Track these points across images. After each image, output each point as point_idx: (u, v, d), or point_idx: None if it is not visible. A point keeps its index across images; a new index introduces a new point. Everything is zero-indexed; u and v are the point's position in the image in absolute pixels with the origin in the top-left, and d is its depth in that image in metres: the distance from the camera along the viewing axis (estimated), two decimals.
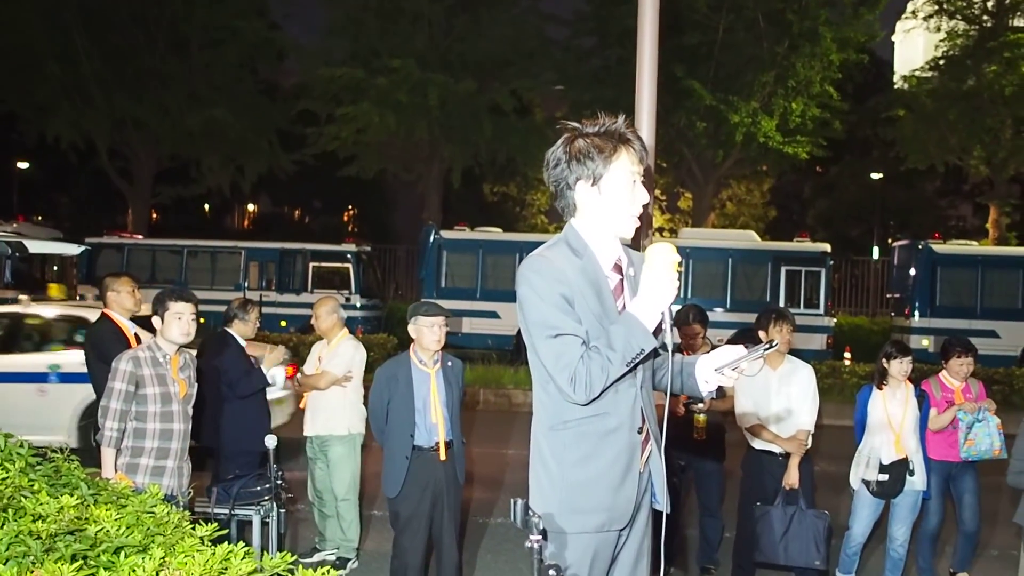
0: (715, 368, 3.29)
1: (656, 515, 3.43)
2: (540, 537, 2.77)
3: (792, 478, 6.48)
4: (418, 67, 28.54)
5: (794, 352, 7.14)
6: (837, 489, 7.83)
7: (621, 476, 3.28)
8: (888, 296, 26.88)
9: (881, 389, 6.92)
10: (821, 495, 9.09)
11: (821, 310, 22.28)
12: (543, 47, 31.92)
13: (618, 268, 3.37)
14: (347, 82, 29.24)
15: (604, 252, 3.35)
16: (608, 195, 3.28)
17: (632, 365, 3.14)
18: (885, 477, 6.82)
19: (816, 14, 27.79)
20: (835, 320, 23.89)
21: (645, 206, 3.40)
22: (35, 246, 25.36)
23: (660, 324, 3.17)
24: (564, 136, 3.38)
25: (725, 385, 3.37)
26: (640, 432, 3.32)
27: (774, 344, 3.35)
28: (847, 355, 21.03)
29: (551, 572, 2.68)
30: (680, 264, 3.23)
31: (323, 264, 24.81)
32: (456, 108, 29.31)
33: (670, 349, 3.25)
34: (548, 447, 3.34)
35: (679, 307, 7.62)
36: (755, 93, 28.42)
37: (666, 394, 3.38)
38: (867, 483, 6.90)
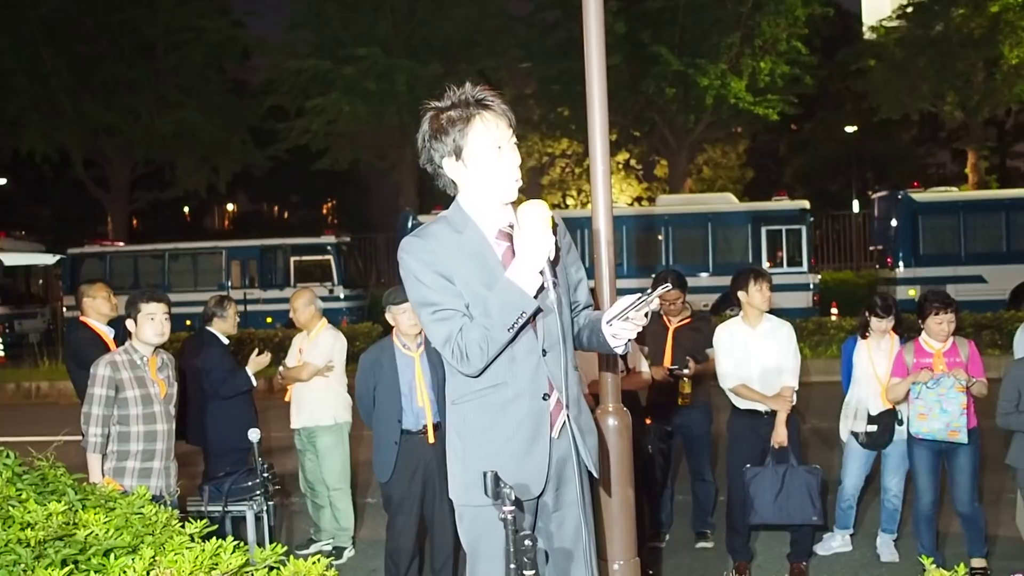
0: (607, 321, 3.27)
1: (592, 480, 3.41)
2: (512, 507, 2.77)
3: (780, 436, 6.49)
4: (384, 54, 28.47)
5: (779, 311, 7.17)
6: (829, 445, 7.85)
7: (526, 445, 3.25)
8: (871, 248, 26.96)
9: (865, 339, 6.96)
10: (813, 451, 9.19)
11: (804, 267, 22.35)
12: (507, 25, 31.83)
13: (506, 235, 3.31)
14: (314, 74, 29.18)
15: (489, 221, 3.30)
16: (473, 166, 3.23)
17: (517, 329, 3.11)
18: (874, 428, 6.83)
19: None
20: (819, 277, 23.96)
21: (595, 174, 3.40)
22: (11, 259, 25.36)
23: (543, 285, 3.15)
24: (426, 116, 3.32)
25: (629, 336, 3.28)
26: (547, 399, 3.28)
27: (663, 287, 3.34)
28: (834, 311, 21.10)
29: (526, 543, 2.69)
30: (554, 221, 3.19)
31: (304, 258, 24.79)
32: (424, 92, 29.04)
33: (556, 308, 3.19)
34: (452, 422, 3.36)
35: (657, 273, 7.67)
36: (722, 55, 28.40)
37: (623, 359, 3.36)
38: (856, 435, 6.93)
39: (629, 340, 3.33)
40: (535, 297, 3.12)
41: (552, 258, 3.17)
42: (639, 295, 3.18)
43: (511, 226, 3.31)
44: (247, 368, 7.36)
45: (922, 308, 6.54)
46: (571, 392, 3.32)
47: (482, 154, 3.22)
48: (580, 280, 3.53)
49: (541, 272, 3.13)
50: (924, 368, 6.41)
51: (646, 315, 3.24)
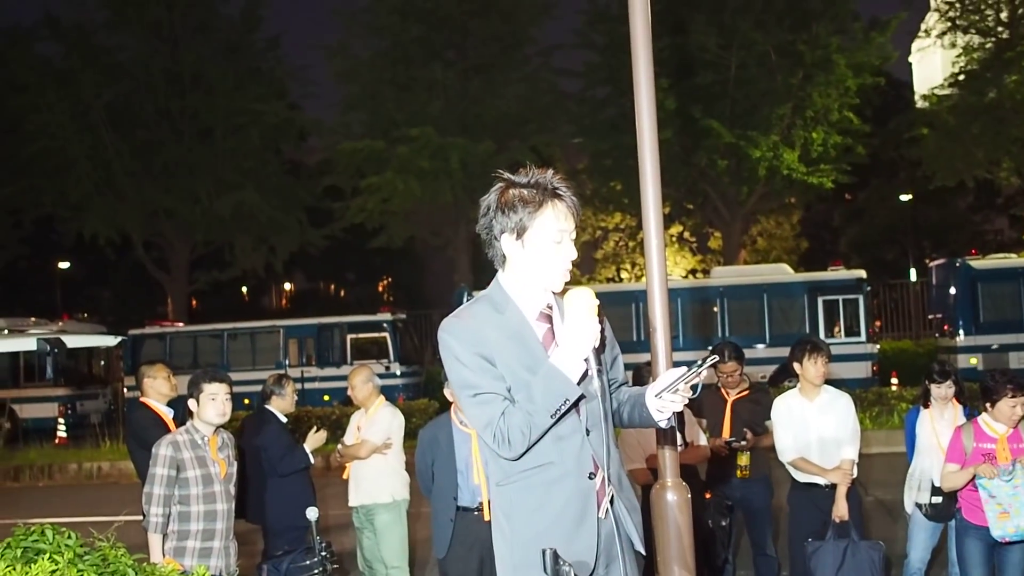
0: (655, 394, 3.25)
1: (639, 558, 3.37)
2: None
3: (841, 510, 6.39)
4: (437, 133, 28.84)
5: (839, 382, 7.09)
6: (893, 517, 7.68)
7: (574, 524, 3.21)
8: (930, 317, 26.62)
9: (928, 408, 6.85)
10: (877, 524, 9.00)
11: (863, 337, 22.05)
12: (558, 101, 32.13)
13: (546, 317, 3.32)
14: (369, 154, 29.55)
15: (530, 303, 3.31)
16: (531, 249, 3.24)
17: (560, 415, 3.09)
18: (939, 499, 6.64)
19: (827, 42, 27.73)
20: (878, 346, 23.65)
21: (649, 250, 3.41)
22: (73, 340, 25.81)
23: (587, 371, 3.15)
24: (496, 185, 3.33)
25: (675, 410, 3.27)
26: (592, 478, 3.25)
27: (711, 359, 3.26)
28: (894, 380, 20.79)
29: None
30: (600, 308, 3.17)
31: (360, 335, 24.93)
32: (478, 169, 29.58)
33: (599, 394, 3.20)
34: (498, 504, 3.33)
35: (713, 346, 7.64)
36: (774, 126, 28.40)
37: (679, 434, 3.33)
38: (920, 506, 6.78)
39: (673, 414, 3.30)
40: (579, 383, 3.12)
41: (597, 345, 3.17)
42: (687, 367, 3.16)
43: (550, 307, 3.33)
44: (305, 445, 7.39)
45: (991, 389, 5.97)
46: (614, 470, 3.30)
47: (543, 241, 3.23)
48: (616, 357, 3.52)
49: (586, 359, 3.13)
50: (987, 456, 5.89)
51: (694, 388, 3.22)
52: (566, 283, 3.34)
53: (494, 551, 3.40)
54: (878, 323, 30.94)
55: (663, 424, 3.33)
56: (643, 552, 3.38)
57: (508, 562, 3.30)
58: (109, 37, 34.22)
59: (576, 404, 3.17)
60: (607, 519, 3.28)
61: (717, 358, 3.32)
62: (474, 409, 3.20)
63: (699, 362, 3.16)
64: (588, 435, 3.25)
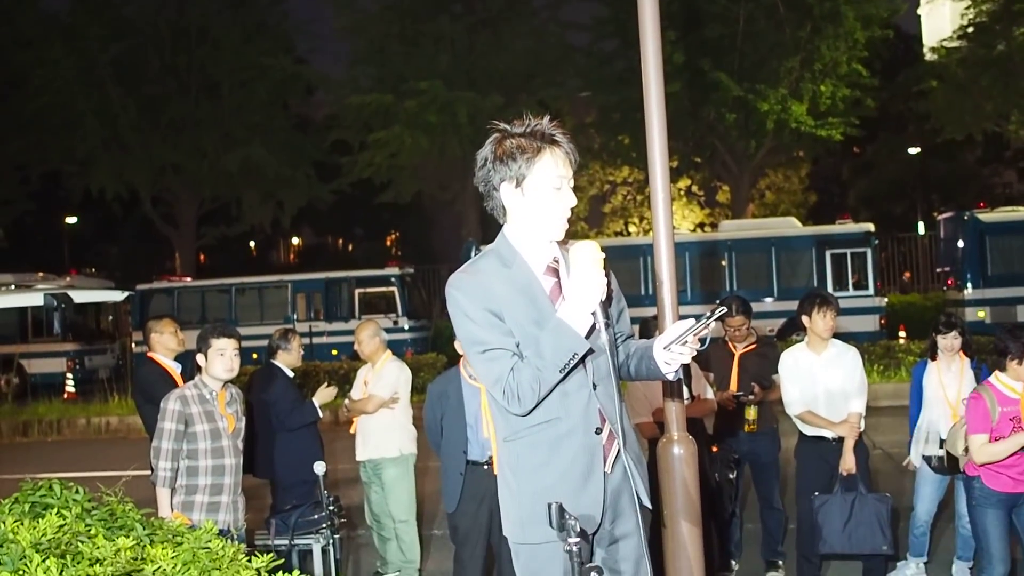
0: (663, 346, 3.23)
1: (645, 512, 3.35)
2: (578, 539, 2.75)
3: (848, 463, 6.37)
4: (445, 87, 28.69)
5: (846, 335, 7.06)
6: (901, 470, 7.68)
7: (581, 479, 3.22)
8: (938, 270, 26.57)
9: (935, 361, 6.84)
10: (885, 477, 9.00)
11: (871, 291, 22.02)
12: (566, 55, 31.93)
13: (553, 271, 3.32)
14: (376, 108, 29.45)
15: (536, 256, 3.31)
16: (531, 197, 3.23)
17: (568, 370, 3.09)
18: (945, 452, 6.66)
19: None
20: (886, 300, 23.61)
21: (656, 202, 3.38)
22: (80, 296, 25.84)
23: (594, 325, 3.13)
24: (492, 137, 3.33)
25: (683, 362, 3.25)
26: (599, 432, 3.25)
27: (720, 309, 3.24)
28: (902, 334, 20.77)
29: (592, 574, 2.68)
30: (606, 261, 3.16)
31: (368, 290, 24.94)
32: (485, 123, 29.30)
33: (607, 348, 3.19)
34: (505, 459, 3.34)
35: (720, 299, 7.62)
36: (782, 79, 28.23)
37: (687, 387, 3.31)
38: (928, 459, 6.79)
39: (681, 366, 3.29)
40: (586, 337, 3.11)
41: (604, 299, 3.16)
42: (696, 319, 3.14)
43: (556, 261, 3.32)
44: (314, 399, 7.42)
45: (1006, 346, 5.68)
46: (620, 425, 3.30)
47: (542, 188, 3.22)
48: (622, 310, 3.51)
49: (593, 313, 3.12)
50: (1015, 420, 5.60)
51: (702, 340, 3.21)
52: (571, 237, 3.32)
53: (500, 507, 3.42)
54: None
55: (671, 376, 3.32)
56: (649, 506, 3.38)
57: (515, 517, 3.31)
58: None
59: (584, 359, 3.17)
60: (613, 474, 3.29)
61: (725, 310, 3.31)
62: (483, 365, 3.19)
63: (708, 314, 3.15)
64: (595, 389, 3.26)
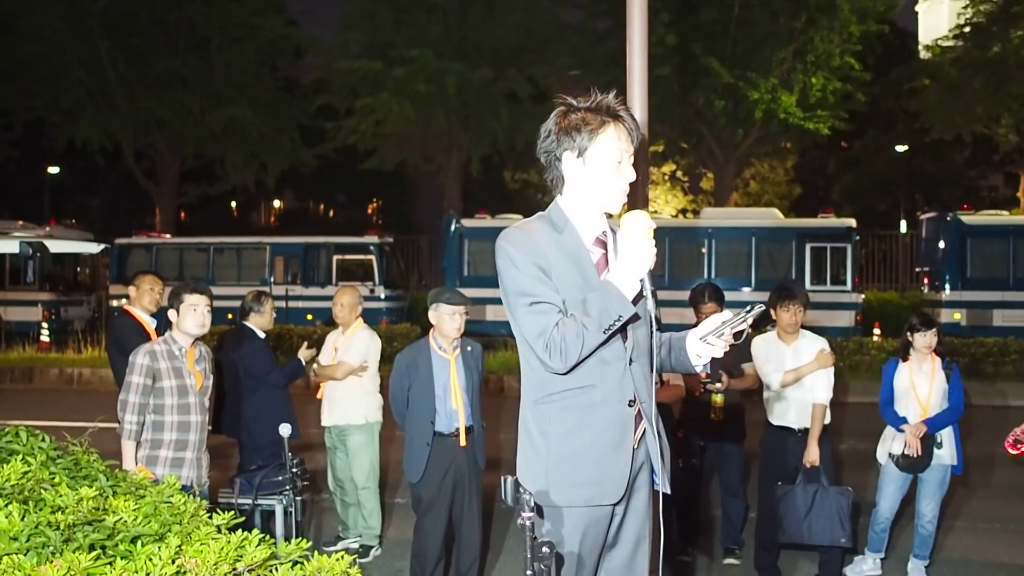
0: (700, 337, 3.30)
1: (657, 497, 3.38)
2: (532, 514, 2.78)
3: (812, 455, 6.44)
4: (434, 57, 28.58)
5: (822, 329, 7.09)
6: (865, 467, 7.74)
7: (611, 449, 3.25)
8: (917, 270, 26.65)
9: (906, 361, 6.87)
10: (849, 473, 9.09)
11: (848, 286, 22.11)
12: (558, 32, 31.73)
13: (601, 243, 3.37)
14: (365, 74, 29.30)
15: (587, 226, 3.36)
16: (593, 168, 3.28)
17: (610, 332, 3.12)
18: (912, 451, 6.74)
19: None
20: (863, 296, 23.70)
21: (632, 184, 3.41)
22: (56, 245, 25.75)
23: (641, 292, 3.17)
24: (557, 109, 3.39)
25: (715, 355, 3.33)
26: (631, 406, 3.29)
27: (759, 306, 3.30)
28: (876, 331, 20.89)
29: (544, 549, 2.70)
30: (654, 231, 3.21)
31: (347, 257, 24.93)
32: (473, 96, 29.35)
33: (651, 316, 3.23)
34: (534, 421, 3.34)
35: (694, 286, 7.64)
36: (774, 69, 28.22)
37: (660, 372, 3.35)
38: (893, 457, 6.82)
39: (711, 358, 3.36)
40: (633, 304, 3.15)
41: (651, 268, 3.19)
42: (733, 313, 3.22)
43: (605, 234, 3.38)
44: (299, 354, 7.51)
45: None
46: (650, 405, 3.35)
47: (604, 161, 3.28)
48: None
49: (641, 280, 3.16)
50: None
51: (737, 335, 3.28)
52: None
53: (520, 467, 3.40)
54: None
55: (699, 368, 3.40)
56: (667, 491, 3.38)
57: (542, 479, 3.29)
58: None
59: (625, 327, 3.22)
60: (639, 449, 3.34)
61: (764, 307, 3.39)
62: (528, 318, 3.21)
63: (748, 308, 3.23)
64: (631, 364, 3.30)
